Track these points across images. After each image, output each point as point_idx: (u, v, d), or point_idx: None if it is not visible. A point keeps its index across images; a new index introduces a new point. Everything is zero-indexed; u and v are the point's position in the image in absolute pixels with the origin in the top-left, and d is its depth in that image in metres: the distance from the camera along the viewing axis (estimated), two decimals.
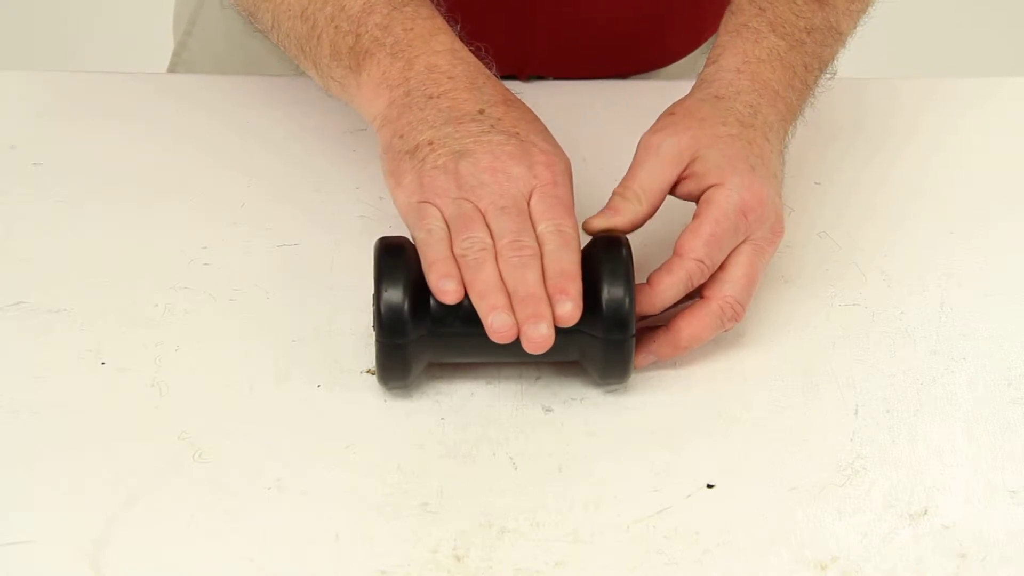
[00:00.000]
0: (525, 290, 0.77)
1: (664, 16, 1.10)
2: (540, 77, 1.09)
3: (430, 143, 0.82)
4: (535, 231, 0.79)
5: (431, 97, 0.83)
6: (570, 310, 0.77)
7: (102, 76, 1.07)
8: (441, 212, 0.80)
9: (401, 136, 0.83)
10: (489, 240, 0.79)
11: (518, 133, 0.82)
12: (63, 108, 1.04)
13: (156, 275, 0.89)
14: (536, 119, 0.85)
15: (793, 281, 0.90)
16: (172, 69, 1.18)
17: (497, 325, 0.76)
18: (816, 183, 0.98)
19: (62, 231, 0.92)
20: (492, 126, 0.82)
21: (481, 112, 0.83)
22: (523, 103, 0.85)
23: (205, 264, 0.90)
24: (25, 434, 0.79)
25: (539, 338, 0.76)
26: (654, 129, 0.84)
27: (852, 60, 0.95)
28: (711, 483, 0.77)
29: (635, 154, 0.84)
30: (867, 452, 0.79)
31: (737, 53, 0.88)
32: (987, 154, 1.03)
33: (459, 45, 0.86)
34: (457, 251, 0.78)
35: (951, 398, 0.83)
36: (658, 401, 0.82)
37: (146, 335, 0.85)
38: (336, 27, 0.87)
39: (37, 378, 0.82)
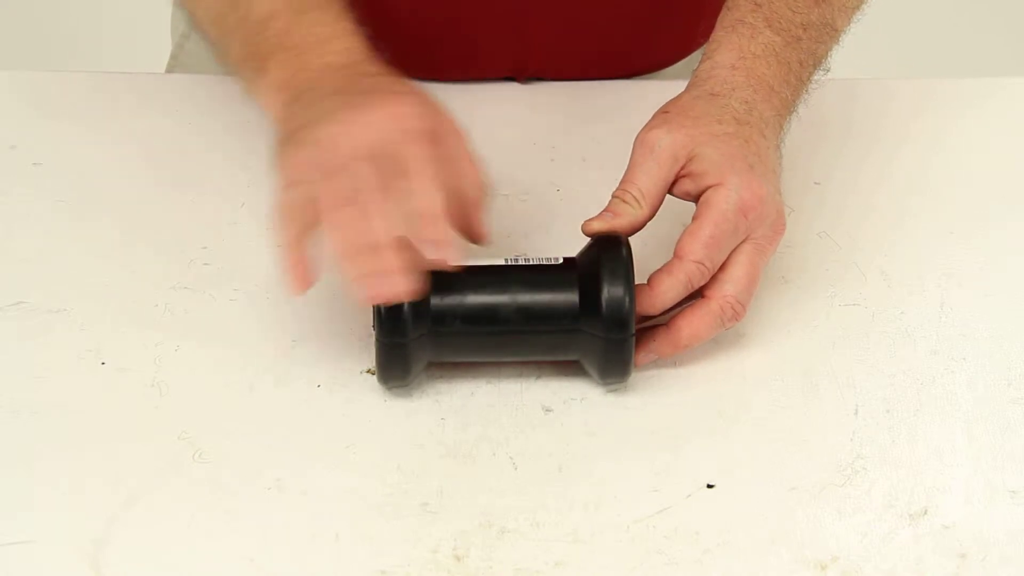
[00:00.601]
0: (435, 209, 0.74)
1: (661, 18, 1.09)
2: (539, 78, 1.09)
3: (302, 127, 0.79)
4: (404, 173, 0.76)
5: (319, 96, 0.81)
6: (441, 253, 0.74)
7: (102, 76, 1.07)
8: (307, 190, 0.76)
9: (285, 134, 0.81)
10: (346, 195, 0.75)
11: (378, 87, 0.80)
12: (63, 108, 1.04)
13: (156, 275, 0.89)
14: (409, 83, 0.82)
15: (793, 281, 0.90)
16: (170, 71, 1.18)
17: (359, 287, 0.74)
18: (815, 183, 0.98)
19: (62, 231, 0.92)
20: (358, 92, 0.80)
21: (353, 86, 0.81)
22: (411, 86, 0.82)
23: (205, 264, 0.90)
24: (25, 434, 0.79)
25: (389, 292, 0.74)
26: (649, 127, 0.84)
27: (853, 60, 0.95)
28: (711, 483, 0.77)
29: (631, 155, 0.84)
30: (867, 452, 0.79)
31: (732, 49, 0.87)
32: (987, 154, 1.03)
33: (356, 45, 0.85)
34: (324, 223, 0.75)
35: (951, 398, 0.83)
36: (658, 401, 0.82)
37: (146, 335, 0.85)
38: (243, 33, 0.87)
39: (37, 378, 0.82)
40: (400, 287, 0.74)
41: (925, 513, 0.76)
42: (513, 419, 0.81)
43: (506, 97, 1.07)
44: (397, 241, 0.74)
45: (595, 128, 1.03)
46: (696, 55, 1.15)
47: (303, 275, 0.77)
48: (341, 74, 0.83)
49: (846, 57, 0.94)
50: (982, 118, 1.07)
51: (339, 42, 0.85)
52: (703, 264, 0.80)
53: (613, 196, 0.83)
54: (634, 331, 0.79)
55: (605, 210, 0.82)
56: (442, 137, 0.78)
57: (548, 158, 1.01)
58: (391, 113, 0.78)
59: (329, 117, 0.78)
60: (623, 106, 1.05)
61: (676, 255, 0.81)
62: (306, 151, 0.77)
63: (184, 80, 1.13)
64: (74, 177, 0.97)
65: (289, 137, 0.79)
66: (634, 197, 0.82)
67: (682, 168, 0.82)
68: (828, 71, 0.92)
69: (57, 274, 0.89)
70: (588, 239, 0.82)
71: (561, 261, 0.81)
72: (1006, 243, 0.95)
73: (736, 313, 0.82)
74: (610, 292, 0.78)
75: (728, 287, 0.82)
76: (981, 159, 1.03)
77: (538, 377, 0.83)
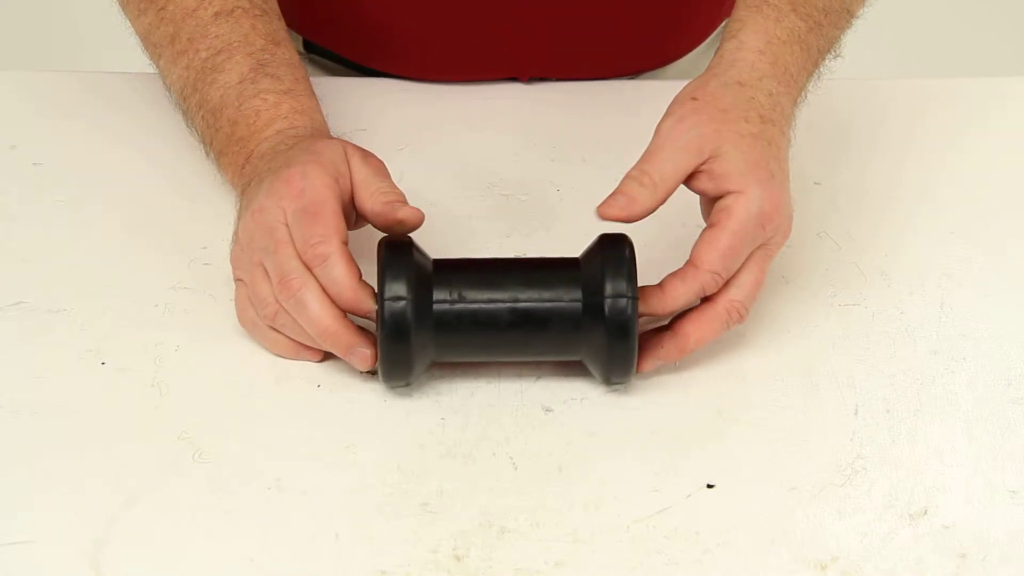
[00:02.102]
0: (317, 329, 0.79)
1: (661, 17, 1.09)
2: (542, 78, 1.09)
3: (236, 220, 0.85)
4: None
5: (252, 188, 0.85)
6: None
7: (102, 76, 1.07)
8: (245, 289, 0.83)
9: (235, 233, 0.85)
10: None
11: (286, 165, 0.83)
12: (63, 108, 1.04)
13: (156, 275, 0.89)
14: (314, 147, 0.84)
15: (793, 281, 0.90)
16: None
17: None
18: (816, 183, 0.98)
19: (62, 231, 0.93)
20: (273, 175, 0.83)
21: (268, 171, 0.84)
22: (332, 144, 0.84)
23: (205, 264, 0.90)
24: (25, 434, 0.79)
25: (365, 360, 0.80)
26: (678, 116, 0.82)
27: (853, 60, 0.95)
28: (711, 483, 0.77)
29: (655, 136, 0.82)
30: (867, 452, 0.79)
31: (759, 32, 0.86)
32: (987, 154, 1.03)
33: (298, 123, 0.88)
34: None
35: (951, 398, 0.83)
36: (658, 401, 0.82)
37: (146, 335, 0.85)
38: (203, 117, 0.91)
39: (37, 378, 0.82)
40: (371, 353, 0.80)
41: (925, 513, 0.76)
42: (513, 419, 0.81)
43: (506, 97, 1.07)
44: (331, 316, 0.80)
45: (595, 128, 1.03)
46: (696, 53, 1.15)
47: (283, 351, 0.84)
48: (264, 162, 0.86)
49: (846, 57, 0.94)
50: (982, 118, 1.07)
51: (275, 128, 0.88)
52: (719, 275, 0.80)
53: (629, 176, 0.80)
54: (637, 330, 0.78)
55: (619, 191, 0.80)
56: (313, 211, 0.80)
57: (548, 158, 1.01)
58: (280, 195, 0.81)
59: (244, 211, 0.84)
60: (623, 106, 1.05)
61: (692, 263, 0.80)
62: (234, 248, 0.84)
63: None
64: (74, 177, 0.97)
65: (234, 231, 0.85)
66: (652, 181, 0.80)
67: (704, 162, 0.81)
68: (837, 56, 0.91)
69: (57, 274, 0.89)
70: (590, 241, 0.81)
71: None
72: (1006, 243, 0.95)
73: (741, 317, 0.82)
74: (613, 288, 0.78)
75: (735, 291, 0.81)
76: (981, 159, 1.03)
77: (538, 377, 0.83)
